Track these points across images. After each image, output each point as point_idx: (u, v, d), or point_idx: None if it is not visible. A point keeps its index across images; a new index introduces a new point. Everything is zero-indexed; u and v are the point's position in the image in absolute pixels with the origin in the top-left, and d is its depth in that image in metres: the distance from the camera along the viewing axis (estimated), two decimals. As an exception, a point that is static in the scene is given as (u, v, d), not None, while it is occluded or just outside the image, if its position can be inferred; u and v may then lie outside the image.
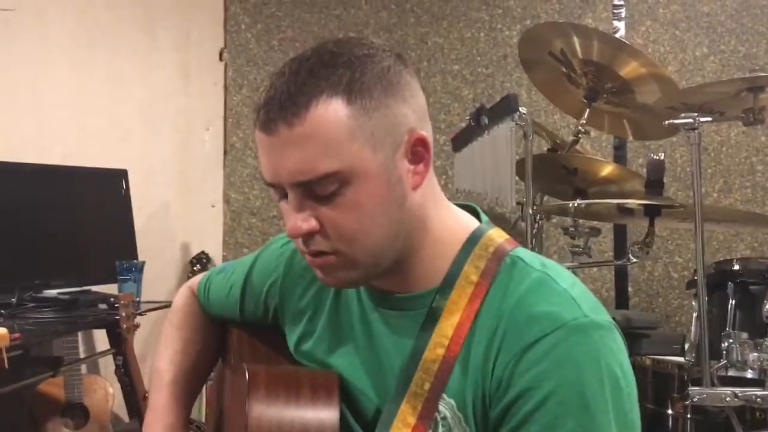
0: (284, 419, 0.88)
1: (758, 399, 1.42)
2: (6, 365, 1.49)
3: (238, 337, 1.13)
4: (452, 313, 0.86)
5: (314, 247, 0.85)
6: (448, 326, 0.85)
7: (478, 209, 0.96)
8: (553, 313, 0.80)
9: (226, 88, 3.17)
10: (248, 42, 3.17)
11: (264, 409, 0.88)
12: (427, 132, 0.87)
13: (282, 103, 0.81)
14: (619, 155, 2.80)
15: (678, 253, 2.80)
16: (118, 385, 2.40)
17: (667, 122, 1.46)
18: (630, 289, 2.83)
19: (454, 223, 0.92)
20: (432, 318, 0.87)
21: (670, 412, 1.89)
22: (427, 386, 0.85)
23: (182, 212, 3.07)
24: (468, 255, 0.88)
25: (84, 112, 2.70)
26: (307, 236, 0.84)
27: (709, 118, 1.47)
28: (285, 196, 0.85)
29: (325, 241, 0.84)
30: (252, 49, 3.17)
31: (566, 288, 0.83)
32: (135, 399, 2.24)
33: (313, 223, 0.83)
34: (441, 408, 0.85)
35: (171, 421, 1.11)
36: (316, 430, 0.88)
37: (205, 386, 1.24)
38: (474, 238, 0.90)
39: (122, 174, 2.63)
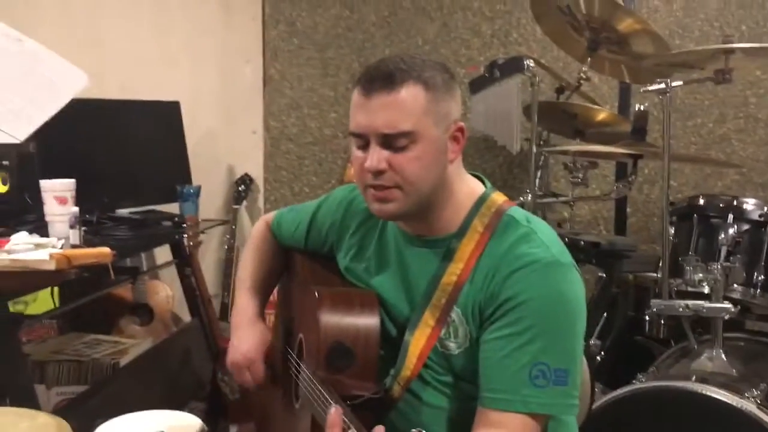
0: (342, 324, 1.26)
1: (704, 310, 1.79)
2: (113, 276, 1.86)
3: (302, 261, 1.52)
4: (464, 252, 1.24)
5: (381, 182, 1.21)
6: (460, 261, 1.23)
7: (483, 177, 1.34)
8: (532, 254, 1.18)
9: (264, 23, 3.38)
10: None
11: (329, 318, 1.26)
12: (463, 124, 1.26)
13: (384, 78, 1.19)
14: (624, 98, 3.00)
15: (673, 177, 3.06)
16: (177, 288, 2.77)
17: (642, 89, 1.76)
18: (629, 209, 3.10)
19: (468, 189, 1.30)
20: (449, 255, 1.25)
21: (647, 318, 2.27)
22: (443, 301, 1.24)
23: (227, 138, 3.38)
24: (476, 212, 1.26)
25: (137, 46, 2.99)
26: (379, 174, 1.20)
27: (680, 82, 1.76)
28: (364, 146, 1.22)
29: (390, 179, 1.20)
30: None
31: (543, 238, 1.21)
32: (200, 302, 2.63)
33: (385, 164, 1.19)
34: (452, 314, 1.23)
35: (251, 314, 1.52)
36: (365, 330, 1.26)
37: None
38: (481, 200, 1.28)
39: (175, 105, 2.91)
